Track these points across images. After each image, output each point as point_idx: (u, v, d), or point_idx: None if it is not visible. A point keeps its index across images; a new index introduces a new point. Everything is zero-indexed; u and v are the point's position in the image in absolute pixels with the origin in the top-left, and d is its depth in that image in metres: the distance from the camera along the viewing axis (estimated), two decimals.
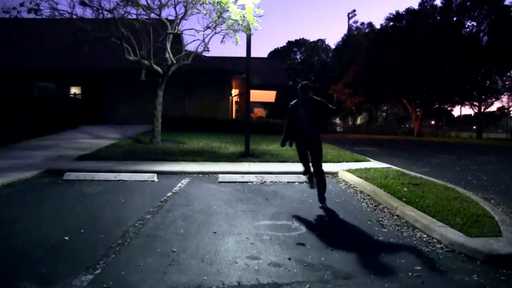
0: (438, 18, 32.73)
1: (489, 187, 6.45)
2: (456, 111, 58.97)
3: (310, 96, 4.76)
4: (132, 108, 17.45)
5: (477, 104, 32.22)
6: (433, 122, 47.31)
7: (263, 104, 35.35)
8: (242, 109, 23.54)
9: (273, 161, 8.34)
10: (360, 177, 6.29)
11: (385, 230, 3.90)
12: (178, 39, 13.02)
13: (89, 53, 11.23)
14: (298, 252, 3.24)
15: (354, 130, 40.67)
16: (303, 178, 6.62)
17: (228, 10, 9.28)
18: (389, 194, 5.08)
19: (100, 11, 10.09)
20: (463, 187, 5.91)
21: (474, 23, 30.78)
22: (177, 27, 10.56)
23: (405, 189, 5.27)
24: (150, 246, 3.33)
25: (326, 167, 7.72)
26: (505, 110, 35.78)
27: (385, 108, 49.09)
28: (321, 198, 4.83)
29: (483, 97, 31.83)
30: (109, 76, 17.13)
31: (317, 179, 4.84)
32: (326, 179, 4.90)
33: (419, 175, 6.80)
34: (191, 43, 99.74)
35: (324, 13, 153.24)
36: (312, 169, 4.89)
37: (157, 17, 10.60)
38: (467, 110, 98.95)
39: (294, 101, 4.86)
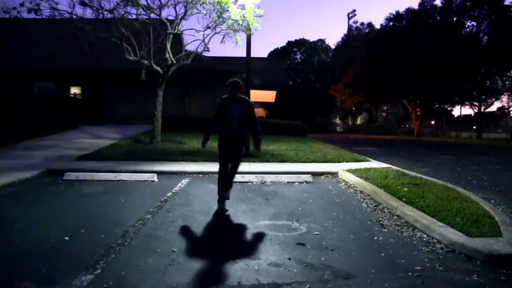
0: (438, 18, 32.75)
1: (489, 187, 6.44)
2: (456, 111, 58.94)
3: (239, 95, 4.47)
4: (132, 108, 17.44)
5: (477, 104, 32.22)
6: (433, 122, 47.29)
7: (263, 104, 35.34)
8: None
9: (273, 161, 8.33)
10: (360, 177, 6.29)
11: (385, 230, 3.89)
12: (178, 39, 13.02)
13: (89, 53, 11.23)
14: (298, 252, 3.24)
15: (354, 130, 40.70)
16: (303, 177, 6.64)
17: (228, 10, 9.28)
18: (389, 194, 5.07)
19: (100, 11, 10.09)
20: (463, 187, 5.91)
21: (474, 23, 30.82)
22: (177, 27, 10.56)
23: (405, 189, 5.27)
24: (150, 246, 3.32)
25: (326, 167, 7.77)
26: (505, 110, 35.77)
27: (385, 108, 49.12)
28: (222, 199, 4.59)
29: (483, 97, 31.84)
30: (109, 76, 17.12)
31: (227, 180, 4.62)
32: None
33: (419, 175, 6.80)
34: (191, 43, 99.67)
35: (324, 13, 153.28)
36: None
37: (157, 17, 10.60)
38: (467, 110, 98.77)
39: (224, 96, 4.49)
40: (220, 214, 4.41)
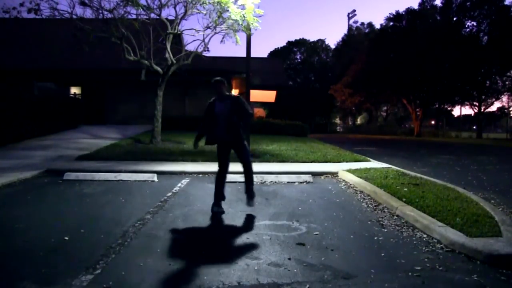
0: (438, 18, 32.72)
1: (489, 187, 6.45)
2: (456, 111, 58.90)
3: (225, 92, 4.53)
4: (132, 108, 17.45)
5: (477, 104, 32.21)
6: (433, 122, 47.29)
7: (263, 104, 35.32)
8: None
9: (273, 161, 8.33)
10: (360, 177, 6.29)
11: (385, 230, 3.89)
12: (178, 39, 13.02)
13: (89, 53, 11.23)
14: (298, 252, 3.24)
15: (354, 130, 40.70)
16: (303, 177, 6.64)
17: (228, 10, 9.28)
18: (389, 194, 5.07)
19: (100, 11, 10.09)
20: (463, 187, 5.91)
21: (474, 23, 30.80)
22: (177, 27, 10.56)
23: (405, 189, 5.27)
24: (150, 246, 3.32)
25: (326, 167, 7.76)
26: (505, 110, 35.79)
27: (385, 108, 49.08)
28: (249, 195, 4.61)
29: (483, 97, 31.82)
30: (109, 76, 17.12)
31: (244, 174, 4.68)
32: (254, 176, 4.75)
33: (419, 175, 6.80)
34: (191, 43, 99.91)
35: (324, 13, 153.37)
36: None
37: (157, 17, 10.60)
38: (467, 110, 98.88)
39: (213, 98, 4.58)
40: (217, 216, 4.41)
